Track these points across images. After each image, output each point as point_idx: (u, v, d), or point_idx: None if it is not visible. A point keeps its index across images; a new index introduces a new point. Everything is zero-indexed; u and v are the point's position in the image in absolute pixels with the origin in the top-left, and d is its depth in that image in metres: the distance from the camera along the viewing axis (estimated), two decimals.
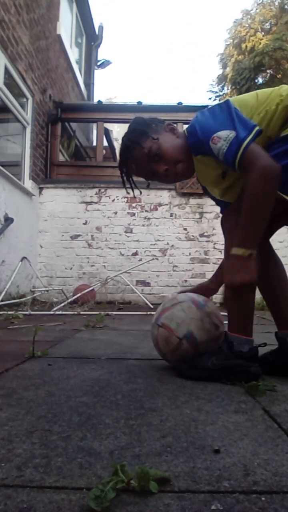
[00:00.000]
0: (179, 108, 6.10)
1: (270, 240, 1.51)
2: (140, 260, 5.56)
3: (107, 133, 6.93)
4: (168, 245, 5.67)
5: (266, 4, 18.04)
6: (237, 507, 0.60)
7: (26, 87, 5.12)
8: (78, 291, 4.63)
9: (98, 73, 25.99)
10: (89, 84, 9.48)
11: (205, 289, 1.62)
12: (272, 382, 1.26)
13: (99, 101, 6.64)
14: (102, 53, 26.15)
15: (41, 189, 5.69)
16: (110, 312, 3.94)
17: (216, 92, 18.50)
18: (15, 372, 1.46)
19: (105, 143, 6.93)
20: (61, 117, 6.18)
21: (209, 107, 1.34)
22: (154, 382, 1.33)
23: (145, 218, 5.73)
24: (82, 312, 3.83)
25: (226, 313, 1.39)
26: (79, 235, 5.69)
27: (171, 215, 5.73)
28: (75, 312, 3.82)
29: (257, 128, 1.20)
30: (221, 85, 18.58)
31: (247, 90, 12.23)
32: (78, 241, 5.67)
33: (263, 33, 17.53)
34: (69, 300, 4.35)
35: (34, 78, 5.34)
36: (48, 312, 3.79)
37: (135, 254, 5.65)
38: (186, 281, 5.60)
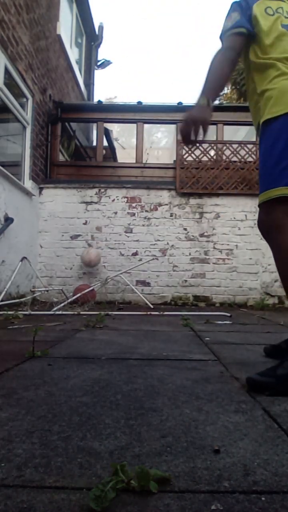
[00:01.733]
0: (179, 108, 6.09)
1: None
2: (140, 260, 5.56)
3: (107, 133, 6.93)
4: (168, 245, 5.67)
5: None
6: (237, 507, 0.60)
7: (26, 87, 5.12)
8: (78, 291, 4.63)
9: (98, 73, 25.98)
10: (89, 84, 9.48)
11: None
12: None
13: (99, 101, 6.63)
14: (102, 53, 26.11)
15: (41, 189, 5.69)
16: (110, 312, 3.93)
17: None
18: (15, 372, 1.46)
19: (105, 143, 6.93)
20: (61, 117, 6.18)
21: None
22: (154, 382, 1.32)
23: (145, 218, 5.73)
24: (82, 312, 3.83)
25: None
26: (79, 235, 5.68)
27: (171, 215, 5.73)
28: (75, 312, 3.82)
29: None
30: None
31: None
32: (78, 241, 5.67)
33: None
34: (69, 300, 4.35)
35: (34, 78, 5.34)
36: (48, 312, 3.79)
37: (135, 254, 5.65)
38: (186, 281, 5.60)
